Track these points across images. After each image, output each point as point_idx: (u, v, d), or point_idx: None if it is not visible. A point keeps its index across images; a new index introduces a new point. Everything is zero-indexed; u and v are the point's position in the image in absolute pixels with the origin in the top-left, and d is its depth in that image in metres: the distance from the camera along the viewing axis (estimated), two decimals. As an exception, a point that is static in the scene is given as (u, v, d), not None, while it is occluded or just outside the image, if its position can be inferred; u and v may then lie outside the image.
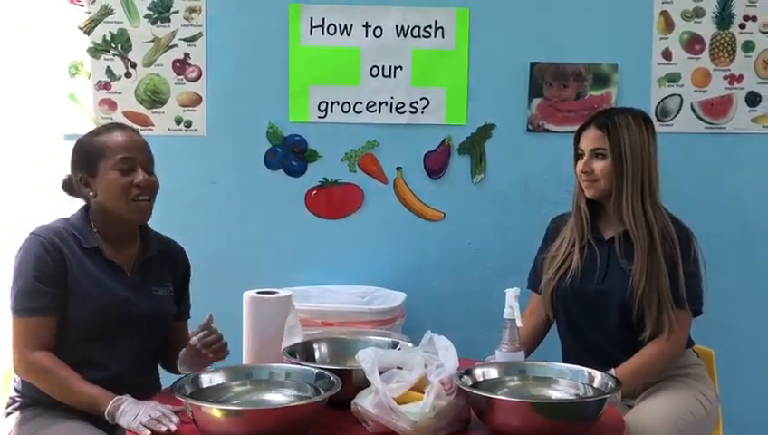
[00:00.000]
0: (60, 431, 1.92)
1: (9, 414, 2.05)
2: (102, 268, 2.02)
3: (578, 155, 2.34)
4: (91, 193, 2.03)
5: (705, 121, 3.03)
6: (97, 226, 2.05)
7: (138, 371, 2.04)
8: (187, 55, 2.91)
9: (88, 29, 2.88)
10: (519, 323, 2.05)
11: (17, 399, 2.06)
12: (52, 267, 1.95)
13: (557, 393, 1.91)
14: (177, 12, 2.89)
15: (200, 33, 2.91)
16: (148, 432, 1.75)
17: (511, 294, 2.06)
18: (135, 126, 2.86)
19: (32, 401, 2.02)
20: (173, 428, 1.74)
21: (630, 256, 2.26)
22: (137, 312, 2.03)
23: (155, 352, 2.15)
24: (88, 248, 2.01)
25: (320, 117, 2.95)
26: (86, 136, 2.09)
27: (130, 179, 2.01)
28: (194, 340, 1.96)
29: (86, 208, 2.08)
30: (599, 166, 2.27)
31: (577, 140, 2.35)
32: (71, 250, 1.99)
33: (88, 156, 2.04)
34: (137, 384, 1.95)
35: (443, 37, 2.96)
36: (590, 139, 2.29)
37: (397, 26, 2.94)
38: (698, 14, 3.00)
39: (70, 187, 2.12)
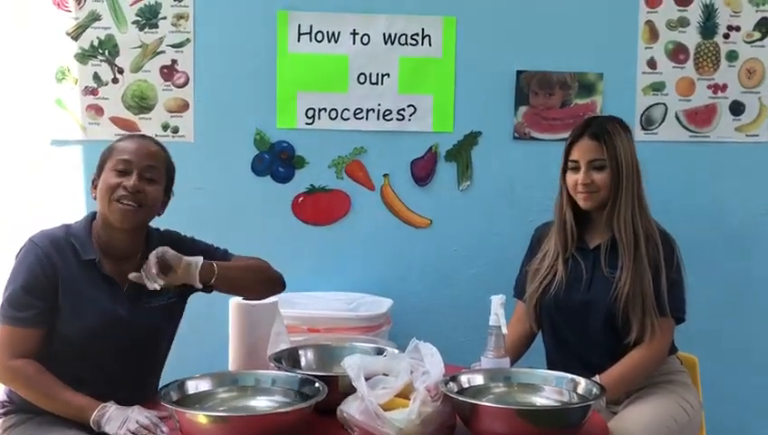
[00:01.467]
0: None
1: None
2: (97, 284, 1.97)
3: (570, 168, 2.32)
4: (93, 195, 2.03)
5: (690, 130, 3.06)
6: (98, 236, 2.01)
7: (130, 387, 1.97)
8: (174, 61, 2.91)
9: (75, 35, 2.88)
10: (504, 331, 2.06)
11: (6, 404, 2.04)
12: (42, 281, 1.92)
13: (542, 400, 1.92)
14: (164, 18, 2.90)
15: (188, 39, 2.91)
16: None
17: (496, 301, 2.07)
18: (123, 131, 2.89)
19: (20, 407, 2.00)
20: None
21: (615, 263, 2.27)
22: (129, 329, 1.98)
23: (151, 366, 2.10)
24: (85, 261, 1.97)
25: (307, 123, 2.96)
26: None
27: (120, 181, 1.97)
28: None
29: (92, 218, 2.05)
30: (599, 177, 2.27)
31: (568, 152, 2.32)
32: (66, 263, 1.95)
33: (100, 158, 2.04)
34: (129, 400, 1.90)
35: (430, 45, 2.97)
36: (587, 150, 2.28)
37: (384, 34, 2.96)
38: (683, 23, 3.03)
39: None
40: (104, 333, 1.95)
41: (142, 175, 1.99)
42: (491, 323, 2.06)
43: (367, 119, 2.98)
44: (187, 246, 2.14)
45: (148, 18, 2.89)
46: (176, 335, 2.17)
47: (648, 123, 3.04)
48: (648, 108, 3.04)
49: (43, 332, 1.93)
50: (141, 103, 2.91)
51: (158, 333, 2.08)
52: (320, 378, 1.87)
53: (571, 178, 2.31)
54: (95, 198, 2.02)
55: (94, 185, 2.03)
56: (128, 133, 2.18)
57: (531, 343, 2.47)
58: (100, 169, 2.03)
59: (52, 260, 1.94)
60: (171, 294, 2.07)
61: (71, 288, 1.94)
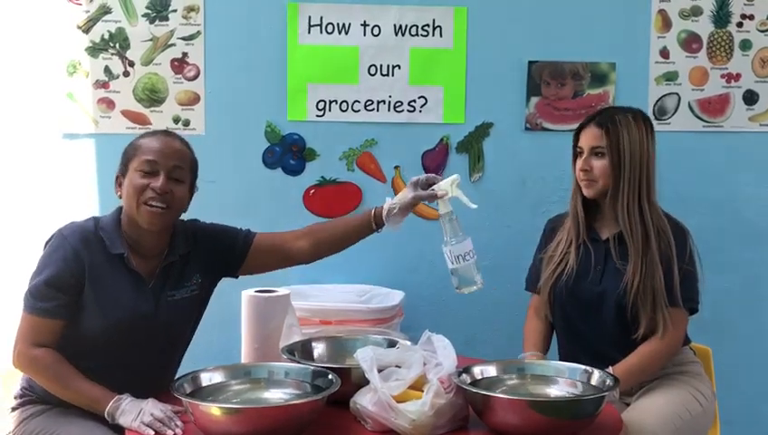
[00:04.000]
0: (73, 432, 1.90)
1: (16, 408, 2.04)
2: (123, 278, 1.96)
3: (577, 153, 2.34)
4: (118, 194, 2.00)
5: (703, 120, 3.04)
6: (126, 232, 2.00)
7: (149, 378, 1.95)
8: (185, 54, 2.91)
9: (86, 28, 2.88)
10: (472, 205, 2.03)
11: (28, 393, 2.04)
12: (67, 278, 1.92)
13: (555, 391, 1.92)
14: (175, 11, 2.89)
15: (198, 31, 2.91)
16: (152, 432, 1.75)
17: (448, 184, 2.05)
18: (134, 125, 2.89)
19: (41, 398, 2.01)
20: (179, 432, 1.75)
21: (626, 255, 2.26)
22: (153, 323, 1.98)
23: (170, 358, 2.08)
24: (113, 254, 1.96)
25: (318, 116, 2.96)
26: (134, 139, 2.05)
27: (147, 182, 1.94)
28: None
29: (120, 212, 2.03)
30: (597, 165, 2.27)
31: (576, 138, 2.34)
32: (93, 258, 1.94)
33: (124, 156, 2.01)
34: (146, 391, 1.90)
35: (441, 36, 2.96)
36: (590, 137, 2.29)
37: (395, 25, 2.95)
38: (696, 12, 3.01)
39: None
40: (129, 327, 1.95)
41: (169, 175, 1.97)
42: (440, 212, 2.03)
43: (378, 111, 2.97)
44: (211, 232, 2.15)
45: (159, 11, 2.89)
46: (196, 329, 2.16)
47: (660, 113, 3.02)
48: (660, 98, 3.02)
49: (65, 323, 1.93)
50: (152, 96, 2.91)
51: (180, 326, 2.07)
52: (332, 370, 1.87)
53: (577, 164, 2.32)
54: (120, 197, 2.00)
55: (118, 183, 2.01)
56: (151, 129, 2.11)
57: (553, 334, 2.45)
58: (125, 166, 1.99)
59: (80, 256, 1.93)
60: (194, 286, 2.07)
61: (97, 283, 1.94)
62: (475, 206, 2.02)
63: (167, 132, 2.06)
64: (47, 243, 1.99)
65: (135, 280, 1.98)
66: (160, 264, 2.01)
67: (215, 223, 2.19)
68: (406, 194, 2.11)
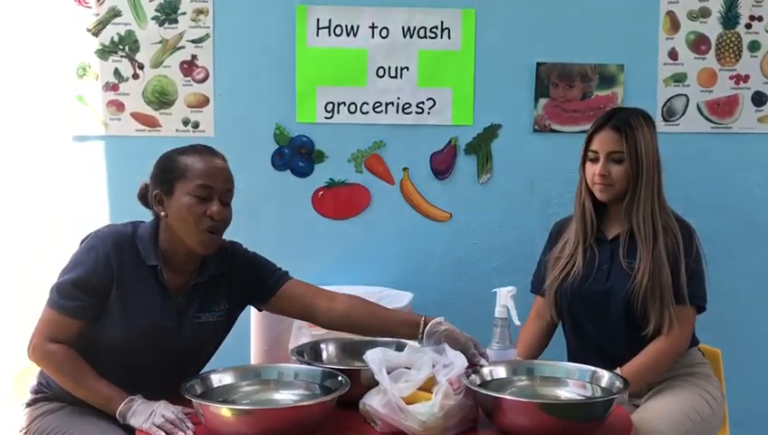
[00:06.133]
0: (86, 432, 1.91)
1: (31, 404, 2.05)
2: (151, 290, 1.96)
3: (589, 158, 2.31)
4: (162, 213, 1.96)
5: (712, 121, 3.04)
6: (162, 244, 1.99)
7: (163, 395, 1.90)
8: (194, 57, 2.92)
9: (96, 31, 2.89)
10: (517, 322, 2.08)
11: (43, 390, 2.05)
12: (94, 280, 1.91)
13: (565, 393, 1.92)
14: (184, 13, 2.90)
15: (207, 34, 2.92)
16: (163, 433, 1.75)
17: (503, 293, 2.10)
18: (144, 127, 2.90)
19: (56, 396, 2.02)
20: (190, 434, 1.75)
21: (633, 254, 2.26)
22: (173, 340, 1.97)
23: (185, 378, 1.97)
24: (146, 265, 1.95)
25: (326, 118, 2.96)
26: (172, 152, 2.00)
27: (204, 209, 1.92)
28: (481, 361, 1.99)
29: (157, 222, 2.01)
30: (616, 170, 2.26)
31: (589, 142, 2.31)
32: (124, 266, 1.93)
33: (168, 173, 1.95)
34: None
35: (449, 38, 2.96)
36: (607, 141, 2.27)
37: (403, 27, 2.95)
38: (704, 14, 3.00)
39: (144, 197, 2.05)
40: (148, 340, 1.94)
41: (222, 199, 1.96)
42: (496, 316, 2.09)
43: (386, 112, 2.97)
44: (248, 260, 2.12)
45: (168, 14, 2.90)
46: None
47: (669, 115, 3.02)
48: (669, 99, 3.02)
49: (84, 324, 1.93)
50: (162, 99, 2.92)
51: (201, 347, 2.06)
52: (342, 371, 1.88)
53: (590, 168, 2.31)
54: (165, 216, 1.95)
55: (157, 200, 1.96)
56: (191, 146, 2.02)
57: (551, 337, 2.47)
58: (170, 185, 1.94)
59: (111, 261, 1.92)
60: (221, 312, 2.06)
61: (124, 291, 1.93)
62: (519, 323, 2.11)
63: (210, 150, 2.01)
64: (83, 241, 1.99)
65: (163, 293, 1.97)
66: (190, 281, 2.00)
67: (256, 253, 2.16)
68: (458, 343, 2.02)
